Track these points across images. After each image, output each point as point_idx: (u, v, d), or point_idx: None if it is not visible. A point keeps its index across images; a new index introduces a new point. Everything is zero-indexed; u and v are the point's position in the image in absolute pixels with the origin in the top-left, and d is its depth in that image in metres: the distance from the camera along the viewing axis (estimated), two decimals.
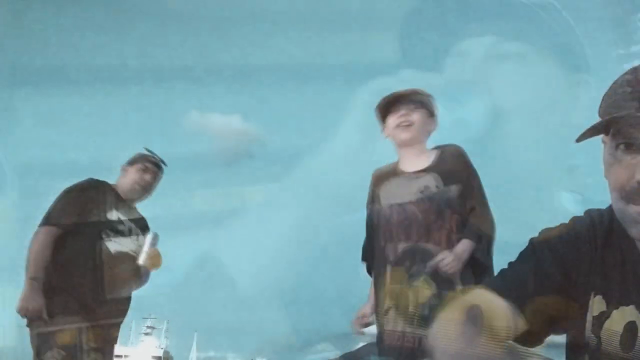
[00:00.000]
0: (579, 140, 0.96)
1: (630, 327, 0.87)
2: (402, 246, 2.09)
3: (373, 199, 2.21)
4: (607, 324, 0.90)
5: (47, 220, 2.58)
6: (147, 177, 2.75)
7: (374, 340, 2.17)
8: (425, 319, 1.88)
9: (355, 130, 4.12)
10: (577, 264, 0.98)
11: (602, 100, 0.96)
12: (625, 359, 0.87)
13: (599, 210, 1.01)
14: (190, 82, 4.60)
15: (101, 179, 2.78)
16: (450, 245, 2.07)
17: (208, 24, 4.74)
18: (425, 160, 2.16)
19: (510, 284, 1.02)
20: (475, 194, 2.14)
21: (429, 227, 2.07)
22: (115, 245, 2.61)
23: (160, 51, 4.65)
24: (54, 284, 2.50)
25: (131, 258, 2.64)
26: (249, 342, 4.14)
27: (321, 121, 4.62)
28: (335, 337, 3.54)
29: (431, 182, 2.12)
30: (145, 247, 2.65)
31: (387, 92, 4.17)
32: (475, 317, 0.95)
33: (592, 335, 0.92)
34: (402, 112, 2.16)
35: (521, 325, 0.97)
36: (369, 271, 2.27)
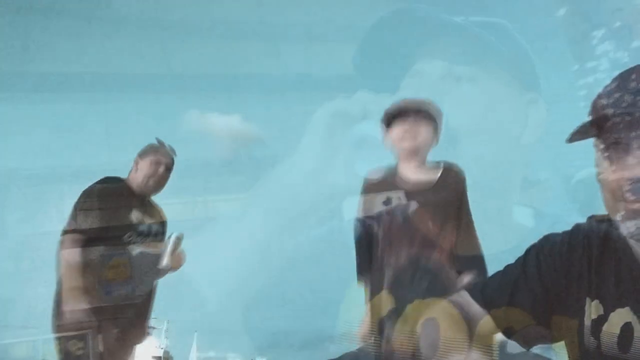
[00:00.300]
0: (569, 141, 0.97)
1: (626, 328, 0.89)
2: (402, 261, 1.96)
3: (368, 209, 2.05)
4: (606, 327, 0.92)
5: (70, 229, 2.46)
6: (161, 170, 2.59)
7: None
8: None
9: (316, 147, 4.13)
10: (569, 271, 0.99)
11: (592, 103, 0.97)
12: (623, 359, 0.89)
13: (601, 216, 1.02)
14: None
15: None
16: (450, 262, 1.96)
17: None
18: (427, 174, 2.04)
19: (491, 291, 1.04)
20: (464, 219, 2.09)
21: (432, 242, 1.95)
22: (138, 247, 2.53)
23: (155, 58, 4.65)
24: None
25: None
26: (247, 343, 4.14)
27: (285, 133, 4.63)
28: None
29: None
30: (169, 249, 2.54)
31: (342, 112, 4.18)
32: (431, 330, 0.97)
33: (592, 338, 0.94)
34: (409, 123, 2.04)
35: (490, 331, 1.01)
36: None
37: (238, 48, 4.84)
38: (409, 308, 1.83)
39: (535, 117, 4.23)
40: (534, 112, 4.25)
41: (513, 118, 4.27)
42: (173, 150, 2.68)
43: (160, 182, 2.61)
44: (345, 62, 4.65)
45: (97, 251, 2.48)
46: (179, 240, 2.57)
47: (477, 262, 1.98)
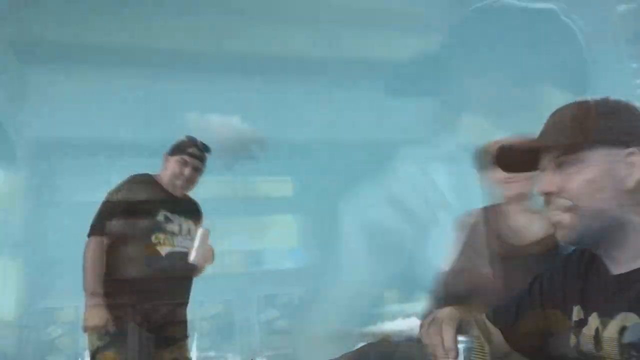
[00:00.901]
0: (508, 171, 1.14)
1: (598, 329, 0.98)
2: None
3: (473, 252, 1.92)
4: (585, 330, 1.01)
5: (95, 230, 2.39)
6: (187, 171, 2.51)
7: (374, 340, 2.13)
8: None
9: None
10: (565, 289, 1.08)
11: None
12: (598, 356, 0.97)
13: None
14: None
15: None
16: None
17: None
18: (542, 226, 1.85)
19: (500, 311, 1.17)
20: None
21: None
22: (166, 248, 2.46)
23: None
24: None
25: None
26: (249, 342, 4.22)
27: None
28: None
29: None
30: (196, 244, 2.46)
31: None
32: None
33: (573, 337, 1.03)
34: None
35: (501, 348, 1.10)
36: None
37: (288, 31, 4.82)
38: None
39: None
40: None
41: None
42: (205, 147, 2.59)
43: (188, 182, 2.54)
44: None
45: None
46: (205, 235, 2.48)
47: None
